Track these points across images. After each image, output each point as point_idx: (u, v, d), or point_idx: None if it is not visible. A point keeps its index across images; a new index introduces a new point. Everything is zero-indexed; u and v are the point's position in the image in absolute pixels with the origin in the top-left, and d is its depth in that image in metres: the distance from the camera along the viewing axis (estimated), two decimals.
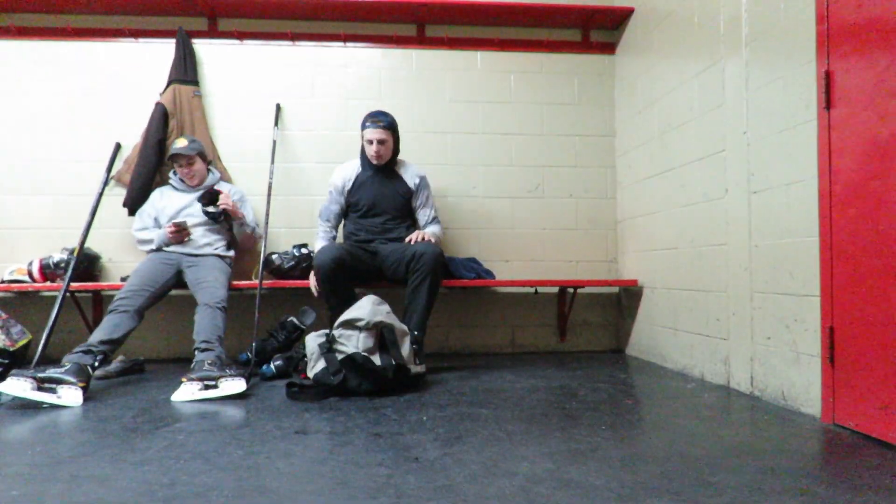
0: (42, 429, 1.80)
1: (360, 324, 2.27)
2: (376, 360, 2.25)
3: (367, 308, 2.33)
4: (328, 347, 2.26)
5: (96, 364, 2.30)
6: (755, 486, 1.30)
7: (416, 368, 2.38)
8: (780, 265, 2.06)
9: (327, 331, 2.33)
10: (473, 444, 1.61)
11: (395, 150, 2.93)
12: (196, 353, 2.43)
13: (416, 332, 2.51)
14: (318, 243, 3.00)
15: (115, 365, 2.71)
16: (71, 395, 2.10)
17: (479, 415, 1.95)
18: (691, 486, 1.30)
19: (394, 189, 2.96)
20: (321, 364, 2.25)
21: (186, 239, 2.85)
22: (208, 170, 3.03)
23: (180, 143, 2.88)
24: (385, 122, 2.83)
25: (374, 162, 2.88)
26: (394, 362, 2.26)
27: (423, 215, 3.06)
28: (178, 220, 2.86)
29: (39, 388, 2.08)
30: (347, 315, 2.32)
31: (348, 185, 2.96)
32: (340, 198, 2.99)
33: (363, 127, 2.84)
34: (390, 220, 2.96)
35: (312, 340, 2.33)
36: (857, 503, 1.21)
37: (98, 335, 2.40)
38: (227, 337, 2.61)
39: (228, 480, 1.34)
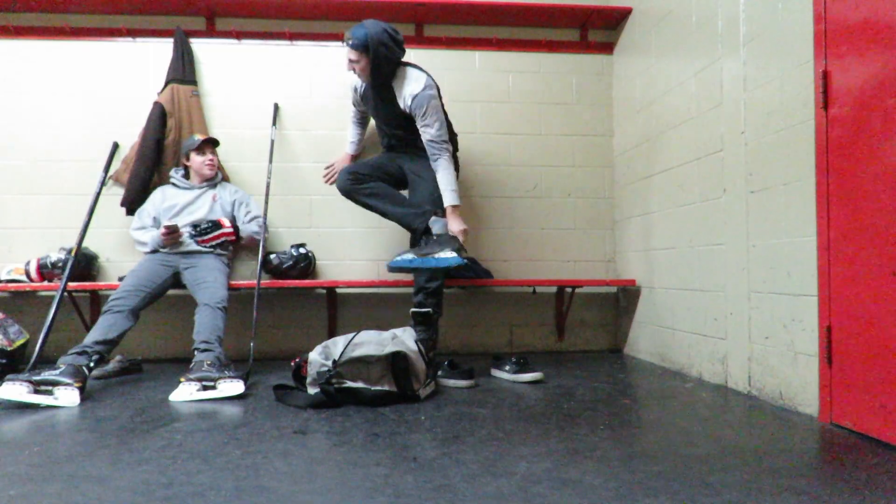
0: (39, 429, 1.79)
1: (371, 359, 2.12)
2: (383, 387, 2.12)
3: (372, 342, 2.17)
4: (327, 380, 2.09)
5: (92, 364, 2.30)
6: (753, 486, 1.30)
7: (426, 391, 2.22)
8: (778, 265, 2.07)
9: (335, 358, 2.13)
10: (471, 444, 1.61)
11: (380, 68, 2.58)
12: (195, 353, 2.43)
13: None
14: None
15: (112, 365, 2.71)
16: (67, 396, 2.10)
17: (477, 414, 1.95)
18: (689, 486, 1.30)
19: (391, 107, 2.71)
20: (317, 390, 2.11)
21: (180, 241, 2.84)
22: None
23: (203, 134, 2.99)
24: (353, 42, 2.51)
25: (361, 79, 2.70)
26: (400, 390, 2.12)
27: (424, 134, 2.68)
28: (171, 222, 2.84)
29: (36, 391, 2.08)
30: (355, 352, 2.13)
31: (360, 91, 2.85)
32: (356, 97, 2.91)
33: None
34: (397, 138, 2.83)
35: (316, 360, 2.15)
36: (855, 502, 1.22)
37: (93, 336, 2.40)
38: (226, 337, 2.60)
39: (226, 480, 1.34)
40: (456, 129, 3.44)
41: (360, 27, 2.52)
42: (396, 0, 3.19)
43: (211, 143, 2.99)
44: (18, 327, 2.82)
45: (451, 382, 2.43)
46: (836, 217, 1.78)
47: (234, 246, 3.09)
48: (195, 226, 2.81)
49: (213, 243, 2.83)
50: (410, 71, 2.65)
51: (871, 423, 1.66)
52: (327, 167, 3.30)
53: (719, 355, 2.44)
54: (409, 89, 2.60)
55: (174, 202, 2.93)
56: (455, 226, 2.67)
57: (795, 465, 1.45)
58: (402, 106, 2.65)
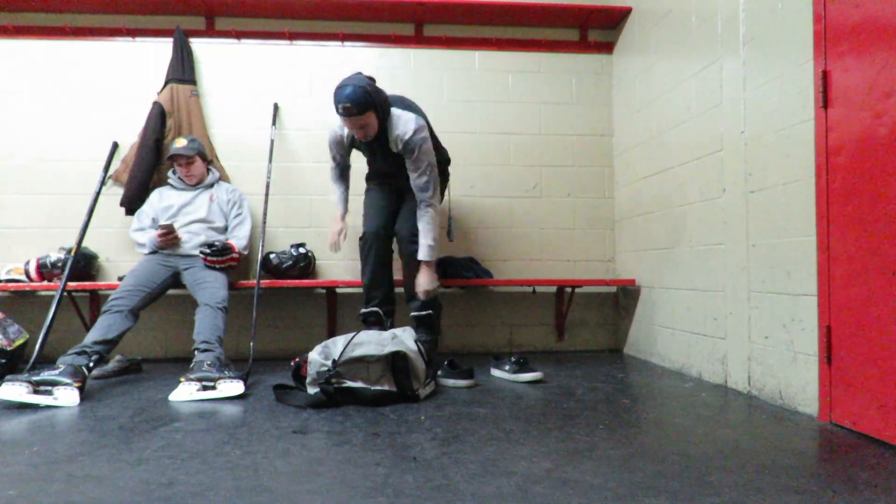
0: (39, 428, 1.79)
1: (371, 359, 2.11)
2: (383, 387, 2.12)
3: (372, 341, 2.18)
4: (326, 380, 2.09)
5: (91, 364, 2.30)
6: (752, 485, 1.30)
7: (426, 390, 2.22)
8: (778, 265, 2.07)
9: (335, 358, 2.12)
10: (471, 444, 1.61)
11: (386, 116, 2.55)
12: (196, 353, 2.42)
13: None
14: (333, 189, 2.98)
15: (112, 364, 2.71)
16: (67, 396, 2.10)
17: (477, 414, 1.95)
18: (689, 486, 1.30)
19: (387, 149, 2.65)
20: (317, 389, 2.11)
21: (178, 242, 2.83)
22: (208, 170, 3.02)
23: (180, 143, 2.87)
24: (357, 108, 2.39)
25: (364, 140, 2.60)
26: (400, 389, 2.12)
27: (414, 185, 2.66)
28: (167, 221, 2.83)
29: (35, 391, 2.08)
30: (355, 352, 2.13)
31: (347, 141, 2.75)
32: (342, 148, 2.79)
33: (336, 111, 2.45)
34: (403, 178, 2.71)
35: (316, 359, 2.14)
36: (855, 502, 1.22)
37: (92, 336, 2.40)
38: (226, 337, 2.60)
39: (226, 480, 1.34)
40: (456, 128, 3.47)
41: (348, 88, 2.38)
42: (396, 0, 3.19)
43: (176, 158, 2.88)
44: (18, 327, 2.82)
45: (451, 382, 2.44)
46: (836, 217, 1.78)
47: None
48: (210, 245, 2.78)
49: (219, 266, 2.82)
50: (399, 113, 2.56)
51: (870, 422, 1.66)
52: (332, 238, 2.91)
53: (719, 355, 2.44)
54: (399, 132, 2.54)
55: (171, 203, 2.93)
56: (423, 282, 2.66)
57: (795, 465, 1.45)
58: (393, 149, 2.61)
